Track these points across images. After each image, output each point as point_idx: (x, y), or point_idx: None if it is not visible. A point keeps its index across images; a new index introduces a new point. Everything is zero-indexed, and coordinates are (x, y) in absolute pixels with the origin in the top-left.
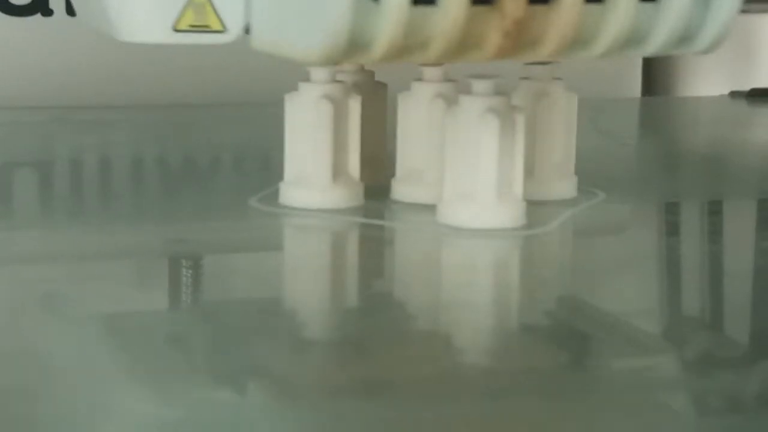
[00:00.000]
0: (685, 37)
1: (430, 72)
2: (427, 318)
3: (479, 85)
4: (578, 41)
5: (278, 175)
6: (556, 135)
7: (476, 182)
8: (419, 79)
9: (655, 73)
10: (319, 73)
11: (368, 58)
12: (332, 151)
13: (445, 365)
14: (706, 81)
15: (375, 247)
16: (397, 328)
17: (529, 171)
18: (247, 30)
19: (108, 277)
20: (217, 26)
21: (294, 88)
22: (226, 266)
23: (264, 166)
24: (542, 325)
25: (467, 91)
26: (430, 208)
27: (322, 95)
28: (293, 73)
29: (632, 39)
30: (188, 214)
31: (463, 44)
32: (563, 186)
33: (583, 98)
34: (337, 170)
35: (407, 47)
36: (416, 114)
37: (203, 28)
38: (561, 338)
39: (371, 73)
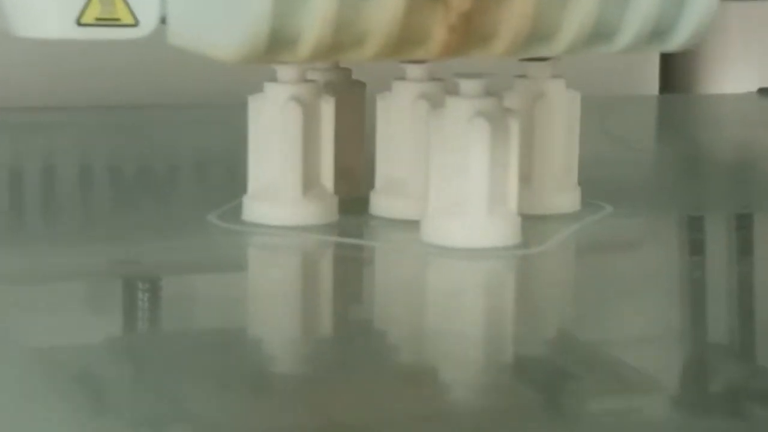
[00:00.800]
0: (657, 33)
1: (413, 70)
2: (407, 351)
3: (468, 85)
4: (536, 36)
5: (242, 188)
6: (555, 140)
7: (465, 195)
8: (401, 78)
9: (675, 68)
10: (287, 72)
11: (294, 56)
12: (302, 161)
13: (426, 405)
14: (732, 76)
15: (351, 270)
16: (373, 362)
17: (526, 182)
18: (163, 22)
19: (44, 303)
20: (127, 19)
21: (259, 88)
22: (180, 292)
23: (226, 177)
24: (535, 359)
25: (454, 91)
26: (413, 225)
27: (290, 97)
28: (260, 72)
29: (598, 33)
30: (139, 232)
31: (404, 40)
32: (564, 198)
33: (590, 96)
34: (308, 182)
35: (339, 44)
36: (397, 117)
37: (112, 22)
38: (554, 376)
39: (347, 72)
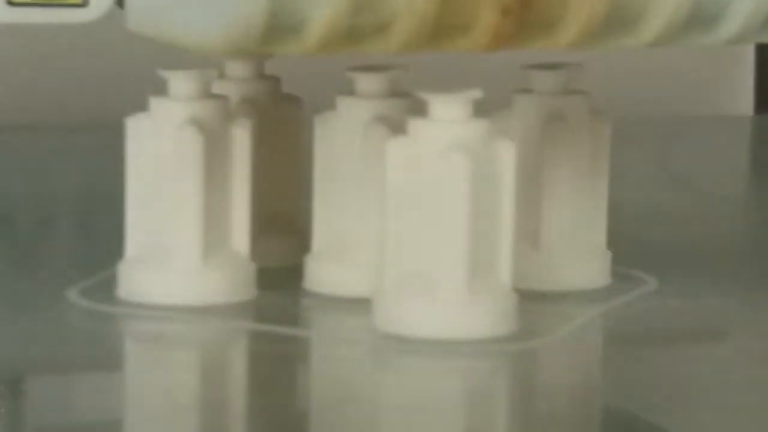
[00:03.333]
0: None
1: (367, 81)
2: None
3: (442, 104)
4: (614, 22)
5: (116, 250)
6: (573, 183)
7: (436, 262)
8: (349, 93)
9: None
10: (181, 82)
11: (299, 46)
12: (203, 212)
13: None
14: None
15: (272, 373)
16: None
17: (530, 244)
18: (119, 4)
19: None
20: None
21: (143, 105)
22: (13, 407)
23: (94, 232)
24: None
25: (422, 111)
26: (363, 305)
27: (186, 119)
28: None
29: (697, 19)
30: None
31: (442, 27)
32: (585, 268)
33: (650, 118)
34: (212, 242)
35: (357, 30)
36: (343, 149)
37: (54, 1)
38: None
39: (274, 82)
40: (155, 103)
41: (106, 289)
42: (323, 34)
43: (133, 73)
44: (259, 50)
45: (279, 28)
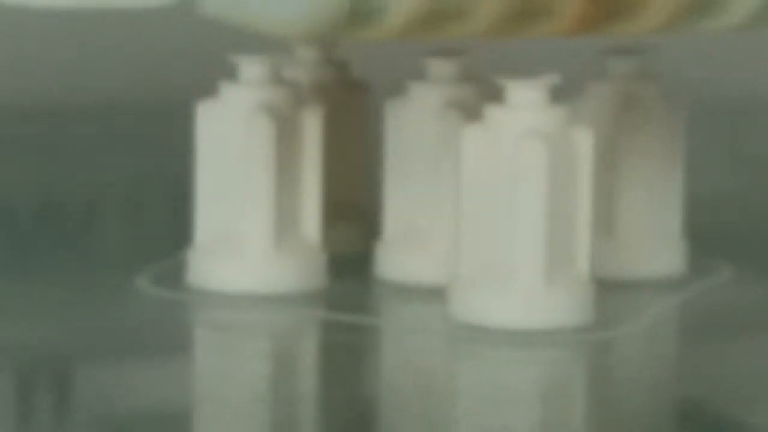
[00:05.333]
0: None
1: (439, 66)
2: None
3: (519, 90)
4: (705, 2)
5: (185, 237)
6: (648, 171)
7: (512, 252)
8: (421, 78)
9: None
10: (252, 67)
11: (380, 30)
12: (274, 199)
13: None
14: None
15: (343, 362)
16: None
17: (606, 232)
18: None
19: None
20: None
21: (213, 89)
22: (91, 392)
23: (162, 220)
24: None
25: (498, 98)
26: (437, 294)
27: (257, 104)
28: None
29: None
30: (36, 303)
31: (525, 11)
32: (662, 256)
33: (721, 99)
34: (283, 230)
35: (440, 13)
36: (415, 135)
37: None
38: None
39: (343, 68)
40: (226, 89)
41: (175, 277)
42: (407, 17)
43: (191, 56)
44: (339, 35)
45: (361, 11)
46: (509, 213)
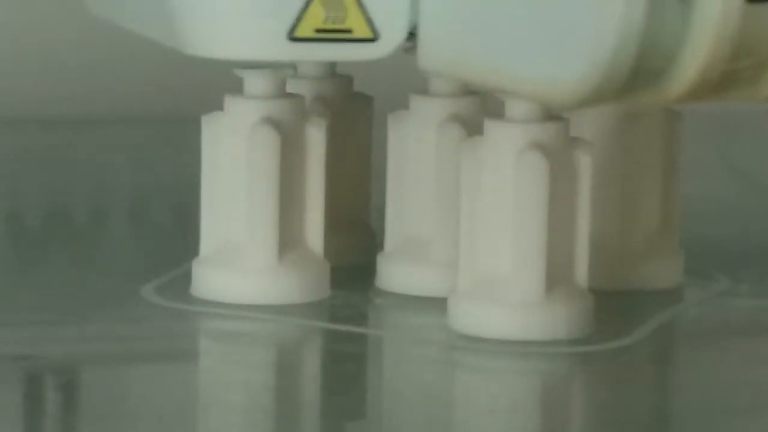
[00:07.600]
0: None
1: (440, 80)
2: None
3: (519, 103)
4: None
5: (190, 248)
6: (646, 182)
7: (512, 264)
8: (423, 93)
9: None
10: (256, 81)
11: (662, 96)
12: (278, 211)
13: None
14: None
15: (346, 372)
16: None
17: (604, 243)
18: (411, 37)
19: None
20: (363, 31)
21: (219, 103)
22: (96, 399)
23: (167, 230)
24: None
25: (498, 112)
26: (436, 305)
27: (262, 118)
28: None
29: None
30: (42, 310)
31: None
32: (659, 268)
33: (710, 111)
34: (287, 242)
35: (732, 75)
36: (417, 148)
37: (340, 35)
38: None
39: (346, 81)
40: (231, 102)
41: (180, 287)
42: (695, 80)
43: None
44: (617, 101)
45: (642, 74)
46: (508, 225)
